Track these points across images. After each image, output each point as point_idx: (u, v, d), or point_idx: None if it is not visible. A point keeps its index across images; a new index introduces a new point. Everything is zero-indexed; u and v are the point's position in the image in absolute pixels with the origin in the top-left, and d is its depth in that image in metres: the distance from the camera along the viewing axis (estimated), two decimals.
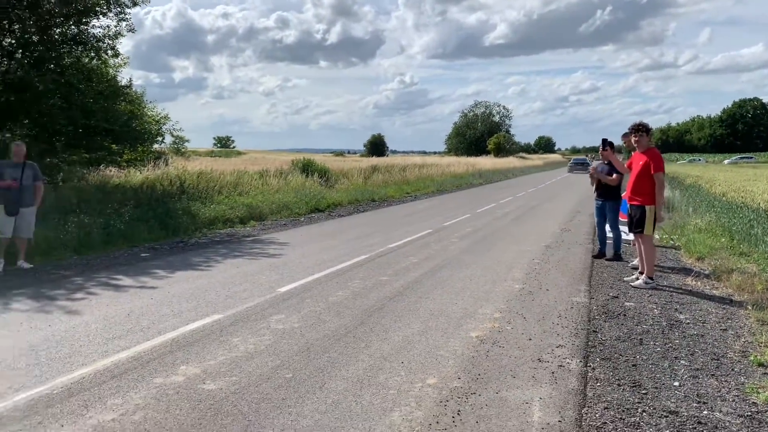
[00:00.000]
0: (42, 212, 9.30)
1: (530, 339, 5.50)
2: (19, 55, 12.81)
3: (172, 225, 11.97)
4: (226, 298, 6.83)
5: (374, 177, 26.93)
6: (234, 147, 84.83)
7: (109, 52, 13.85)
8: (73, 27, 13.08)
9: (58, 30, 12.86)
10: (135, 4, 13.45)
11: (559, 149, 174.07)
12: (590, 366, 4.85)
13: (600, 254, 9.82)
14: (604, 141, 9.06)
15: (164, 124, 16.26)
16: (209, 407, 3.93)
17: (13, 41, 12.75)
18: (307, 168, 21.54)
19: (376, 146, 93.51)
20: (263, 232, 12.68)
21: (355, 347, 5.19)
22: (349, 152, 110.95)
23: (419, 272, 8.46)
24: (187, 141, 29.76)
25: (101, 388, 4.20)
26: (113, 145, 14.82)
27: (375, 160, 38.95)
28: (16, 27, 12.59)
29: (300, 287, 7.44)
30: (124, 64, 15.05)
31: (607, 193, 9.68)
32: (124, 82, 14.84)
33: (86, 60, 13.88)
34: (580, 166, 52.49)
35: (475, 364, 4.83)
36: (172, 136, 18.65)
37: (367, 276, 8.16)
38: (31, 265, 8.62)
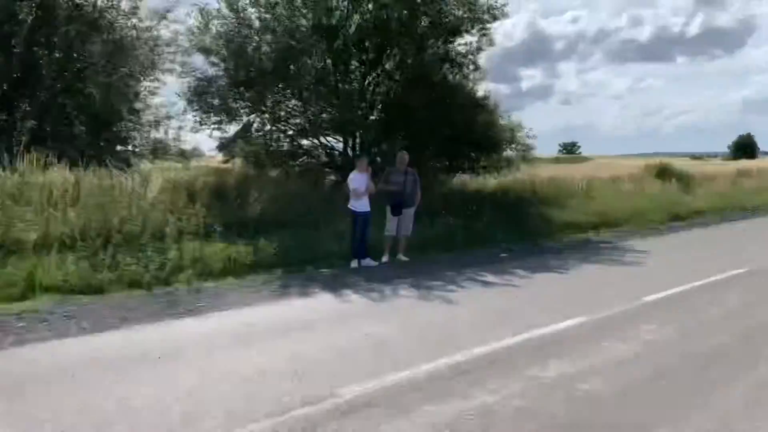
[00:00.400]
0: (415, 214, 10.54)
1: None
2: (397, 77, 14.73)
3: (526, 228, 12.40)
4: (589, 302, 6.80)
5: (743, 182, 23.72)
6: (579, 152, 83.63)
7: (470, 66, 14.98)
8: (441, 46, 14.50)
9: (429, 51, 14.39)
10: (495, 19, 14.28)
11: None
12: None
13: None
14: None
15: (518, 132, 16.92)
16: (585, 405, 3.98)
17: (393, 64, 14.68)
18: (663, 173, 20.10)
19: (744, 147, 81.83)
20: (618, 239, 12.26)
21: (738, 367, 4.69)
22: (708, 155, 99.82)
23: None
24: (533, 148, 30.26)
25: (481, 373, 4.58)
26: (472, 153, 15.97)
27: (743, 164, 34.26)
28: (395, 52, 14.48)
29: (665, 298, 7.01)
30: (483, 77, 16.08)
31: None
32: (480, 93, 15.87)
33: (450, 76, 15.24)
34: None
35: None
36: (521, 143, 19.14)
37: (745, 293, 7.29)
38: (408, 259, 9.84)
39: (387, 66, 14.76)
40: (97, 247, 7.52)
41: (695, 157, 78.06)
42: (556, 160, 49.27)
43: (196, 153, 16.84)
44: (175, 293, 7.02)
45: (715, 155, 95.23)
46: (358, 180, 9.35)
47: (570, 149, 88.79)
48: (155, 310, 6.30)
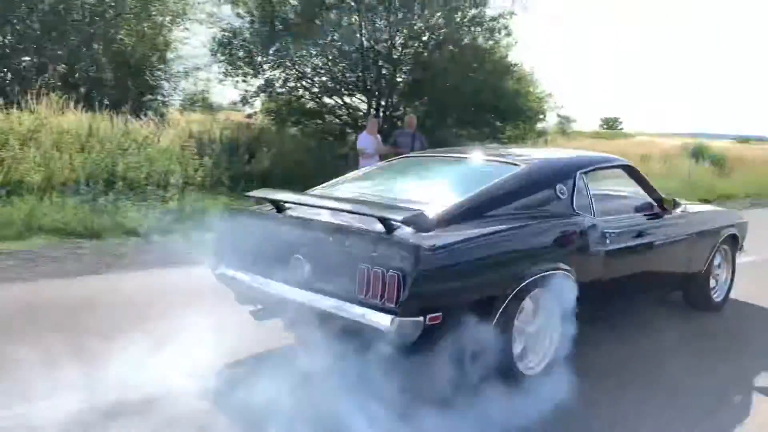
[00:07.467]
0: None
1: None
2: (425, 38, 14.44)
3: None
4: None
5: None
6: (621, 129, 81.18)
7: (502, 32, 14.55)
8: (472, 9, 14.13)
9: (459, 13, 14.05)
10: None
11: None
12: None
13: None
14: None
15: (546, 102, 16.46)
16: None
17: (422, 24, 14.36)
18: (697, 154, 19.47)
19: None
20: None
21: None
22: (760, 139, 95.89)
23: None
24: (573, 121, 29.49)
25: None
26: (498, 122, 15.63)
27: None
28: (426, 12, 14.15)
29: None
30: (515, 43, 15.59)
31: None
32: (511, 60, 15.43)
33: (480, 40, 14.86)
34: None
35: None
36: (559, 116, 18.63)
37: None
38: None
39: (416, 27, 14.45)
40: (99, 192, 7.61)
41: (742, 140, 74.68)
42: (596, 135, 48.11)
43: (222, 106, 16.92)
44: (170, 244, 7.07)
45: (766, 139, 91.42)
46: (366, 140, 9.24)
47: (611, 125, 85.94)
48: (146, 259, 6.36)
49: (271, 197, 3.79)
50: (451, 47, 14.27)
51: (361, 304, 3.04)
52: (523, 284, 3.33)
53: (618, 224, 4.21)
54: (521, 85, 15.45)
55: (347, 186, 4.33)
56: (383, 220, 3.12)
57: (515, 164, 4.09)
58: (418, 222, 3.12)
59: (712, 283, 5.42)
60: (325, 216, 3.45)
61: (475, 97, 14.02)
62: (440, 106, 14.22)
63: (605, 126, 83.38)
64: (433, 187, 4.19)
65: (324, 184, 4.44)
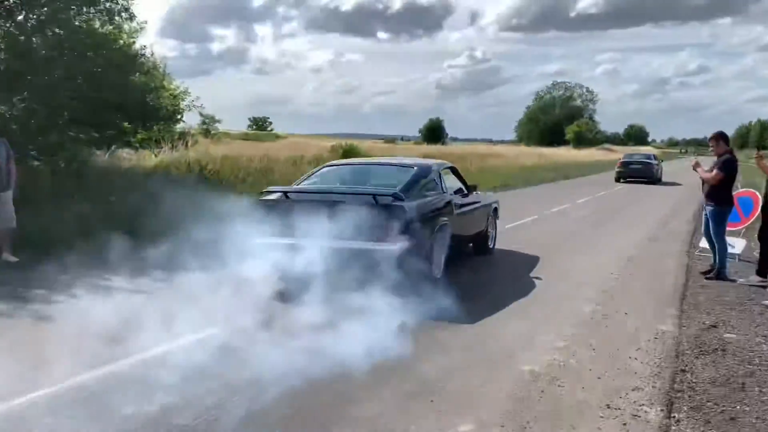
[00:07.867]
0: (35, 198, 9.18)
1: (599, 378, 4.96)
2: (21, 17, 12.85)
3: (181, 215, 11.74)
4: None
5: None
6: (272, 129, 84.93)
7: (123, 14, 13.74)
8: None
9: None
10: None
11: (654, 141, 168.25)
12: (674, 417, 4.29)
13: (710, 271, 8.94)
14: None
15: (182, 100, 16.08)
16: None
17: (16, 0, 12.77)
18: (347, 155, 21.32)
19: (433, 132, 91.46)
20: None
21: (376, 381, 4.73)
22: (402, 139, 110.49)
23: (465, 282, 7.98)
24: (219, 121, 29.56)
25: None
26: (125, 124, 14.71)
27: (428, 149, 38.44)
28: None
29: None
30: (141, 29, 14.90)
31: (712, 195, 8.75)
32: (138, 49, 14.68)
33: (97, 24, 13.84)
34: (638, 168, 31.88)
35: (524, 406, 4.36)
36: (201, 115, 18.36)
37: None
38: (17, 259, 8.48)
39: (6, 2, 12.77)
40: None
41: (389, 140, 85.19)
42: (246, 137, 49.57)
43: None
44: None
45: (410, 139, 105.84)
46: None
47: (261, 125, 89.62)
48: None
49: (283, 190, 7.71)
50: (57, 30, 12.97)
51: (371, 241, 6.80)
52: (438, 227, 7.63)
53: (457, 199, 8.68)
54: (151, 78, 14.82)
55: (315, 185, 8.29)
56: (374, 196, 7.07)
57: (412, 167, 8.56)
58: (398, 196, 7.07)
59: (489, 237, 10.16)
60: (327, 197, 7.31)
61: (93, 92, 12.95)
62: (48, 104, 12.79)
63: (255, 127, 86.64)
64: (378, 180, 8.42)
65: (294, 184, 8.60)
